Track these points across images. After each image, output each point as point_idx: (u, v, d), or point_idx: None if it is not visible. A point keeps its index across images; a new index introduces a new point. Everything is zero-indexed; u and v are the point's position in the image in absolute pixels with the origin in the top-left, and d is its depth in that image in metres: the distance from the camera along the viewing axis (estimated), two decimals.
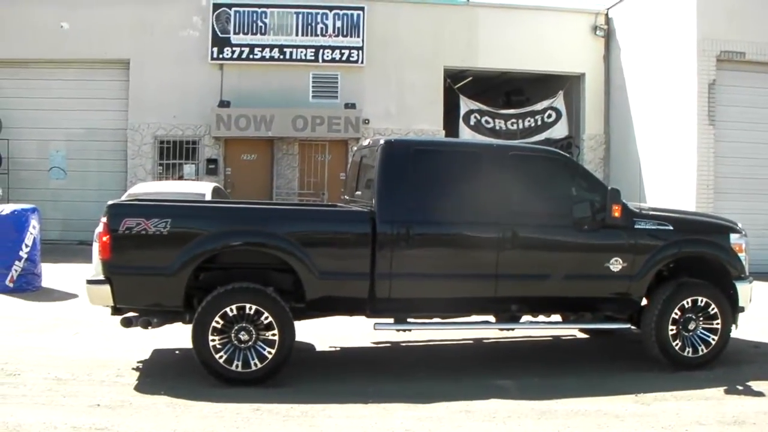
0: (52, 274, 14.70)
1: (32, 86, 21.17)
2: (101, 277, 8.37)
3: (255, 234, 8.45)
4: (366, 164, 9.55)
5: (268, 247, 8.40)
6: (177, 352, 9.60)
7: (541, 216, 8.98)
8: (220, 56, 21.37)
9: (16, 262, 13.67)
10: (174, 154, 21.53)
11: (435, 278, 8.69)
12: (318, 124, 21.20)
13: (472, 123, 22.45)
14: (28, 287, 13.78)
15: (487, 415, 7.30)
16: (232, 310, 8.17)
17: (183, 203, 9.64)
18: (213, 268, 8.57)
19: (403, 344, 10.43)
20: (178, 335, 9.40)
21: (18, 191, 20.40)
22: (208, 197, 13.53)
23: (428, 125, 21.83)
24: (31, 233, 13.89)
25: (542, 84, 23.93)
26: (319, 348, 10.20)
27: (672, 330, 8.94)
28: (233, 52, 21.38)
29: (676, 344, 8.95)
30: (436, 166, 8.92)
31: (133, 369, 8.89)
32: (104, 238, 8.22)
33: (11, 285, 13.65)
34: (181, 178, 20.97)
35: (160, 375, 8.69)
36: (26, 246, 13.75)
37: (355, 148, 10.44)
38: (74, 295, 12.97)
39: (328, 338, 10.41)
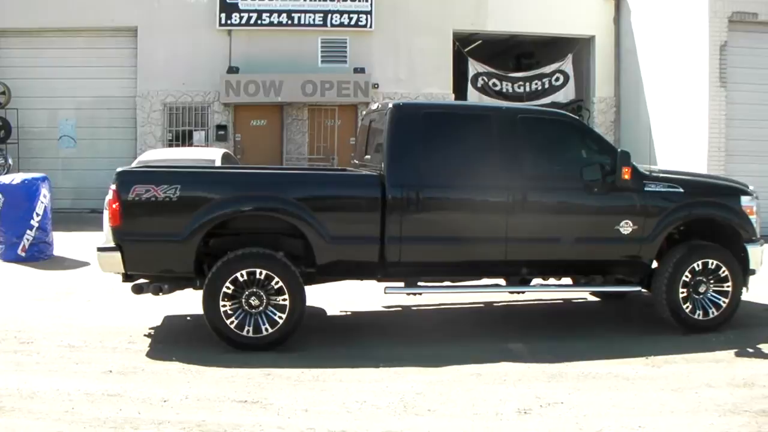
0: (63, 243, 14.76)
1: (40, 55, 21.06)
2: (112, 244, 8.40)
3: (265, 199, 8.45)
4: (375, 128, 9.53)
5: (278, 212, 8.41)
6: (188, 318, 9.65)
7: (550, 179, 8.96)
8: (228, 22, 21.19)
9: (28, 231, 13.71)
10: (183, 121, 21.48)
11: (445, 242, 8.70)
12: (327, 89, 21.08)
13: (479, 85, 22.31)
14: (40, 256, 13.84)
15: (497, 378, 7.33)
16: (242, 275, 8.19)
17: (192, 169, 9.64)
18: (223, 234, 8.59)
19: (414, 308, 10.46)
20: (189, 301, 9.43)
21: (28, 161, 20.43)
22: (218, 163, 13.53)
23: (437, 89, 21.69)
24: (42, 202, 13.91)
25: (553, 47, 23.75)
26: (330, 312, 10.24)
27: (683, 293, 8.92)
28: (241, 17, 21.20)
29: (687, 307, 8.94)
30: (445, 130, 8.88)
31: (145, 335, 8.95)
32: (114, 206, 8.24)
33: (23, 254, 13.71)
34: (191, 144, 20.95)
35: (172, 341, 8.75)
36: (37, 215, 13.78)
37: (364, 113, 10.42)
38: (86, 263, 13.02)
39: (340, 303, 10.45)
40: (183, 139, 21.41)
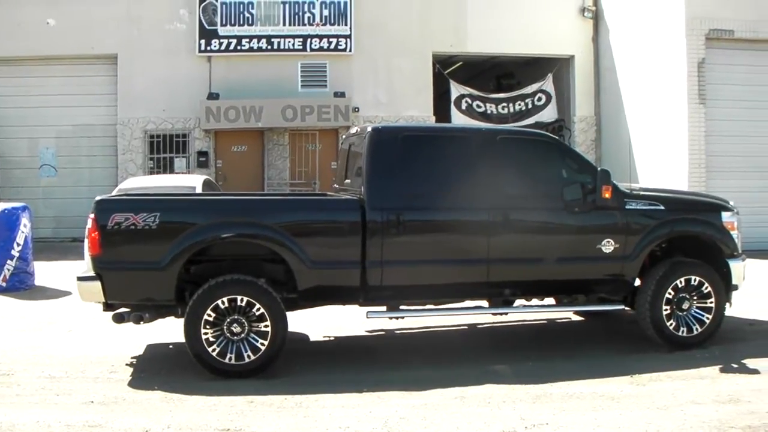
0: (45, 272, 14.65)
1: (20, 84, 21.02)
2: (92, 273, 8.34)
3: (244, 225, 8.41)
4: (355, 152, 9.51)
5: (257, 238, 8.37)
6: (171, 346, 9.57)
7: (531, 199, 8.97)
8: (208, 48, 21.24)
9: (8, 262, 13.60)
10: (164, 148, 21.42)
11: (427, 264, 8.67)
12: (308, 113, 21.10)
13: (463, 107, 22.37)
14: (21, 286, 13.71)
15: (481, 400, 7.28)
16: (223, 302, 8.14)
17: (171, 196, 9.60)
18: (204, 261, 8.54)
19: (398, 332, 10.42)
20: (172, 329, 9.35)
21: (9, 189, 20.33)
22: (199, 190, 13.45)
23: (418, 112, 21.74)
24: (23, 231, 13.82)
25: (532, 67, 23.86)
26: (313, 338, 10.18)
27: (666, 310, 8.92)
28: (221, 43, 21.27)
29: (671, 324, 8.94)
30: (425, 152, 8.87)
31: (127, 365, 8.86)
32: (93, 234, 8.18)
33: (4, 284, 13.58)
34: (173, 172, 20.88)
35: (154, 370, 8.65)
36: (18, 245, 13.69)
37: (344, 136, 10.40)
38: (68, 293, 12.90)
39: (323, 328, 10.40)
40: (164, 166, 21.34)
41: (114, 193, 12.77)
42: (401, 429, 6.52)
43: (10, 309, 12.36)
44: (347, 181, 9.76)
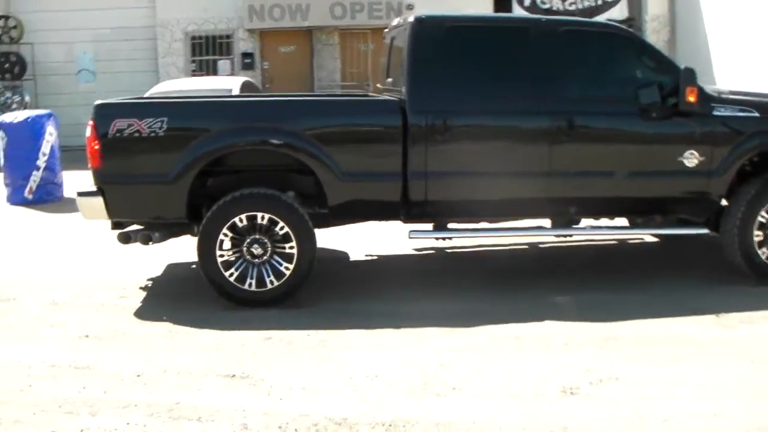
0: (78, 183, 13.73)
1: None
2: (94, 188, 7.31)
3: (264, 131, 7.23)
4: (397, 47, 8.23)
5: (279, 145, 7.20)
6: (194, 266, 8.49)
7: (600, 102, 7.58)
8: None
9: (34, 173, 12.91)
10: (207, 50, 20.44)
11: (478, 177, 7.41)
12: (358, 11, 19.78)
13: (527, 4, 20.93)
14: (48, 198, 12.99)
15: (539, 343, 6.09)
16: (241, 220, 7.07)
17: (180, 99, 8.47)
18: (222, 173, 7.45)
19: (449, 250, 9.26)
20: None
21: (46, 97, 19.57)
22: (236, 92, 12.49)
23: (477, 10, 20.23)
24: (48, 141, 13.02)
25: None
26: (353, 257, 9.09)
27: (758, 236, 7.54)
28: None
29: (763, 252, 7.57)
30: (475, 46, 7.54)
31: (140, 288, 7.94)
32: (93, 144, 7.13)
33: (30, 197, 12.91)
34: (216, 74, 19.89)
35: (168, 295, 7.73)
36: (43, 155, 12.94)
37: (386, 29, 9.09)
38: None
39: (367, 244, 9.31)
40: (208, 69, 20.31)
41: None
42: (440, 380, 5.40)
43: (32, 223, 11.63)
44: (389, 80, 8.54)
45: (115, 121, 7.08)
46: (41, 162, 12.88)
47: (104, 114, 7.16)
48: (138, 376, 5.57)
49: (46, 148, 12.94)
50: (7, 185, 13.09)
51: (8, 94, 19.33)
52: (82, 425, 4.80)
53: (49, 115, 13.25)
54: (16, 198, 12.91)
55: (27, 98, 19.15)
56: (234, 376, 5.54)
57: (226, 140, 7.15)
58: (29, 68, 19.67)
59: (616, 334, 6.24)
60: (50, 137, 13.02)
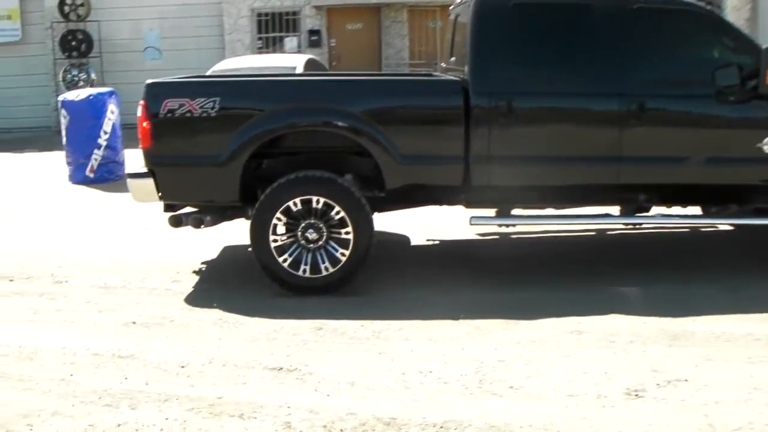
0: (140, 162, 13.67)
1: None
2: (145, 169, 7.13)
3: (320, 112, 6.94)
4: (461, 24, 7.86)
5: (335, 127, 6.91)
6: (249, 249, 8.29)
7: (675, 84, 7.08)
8: None
9: (96, 151, 12.85)
10: (273, 27, 20.25)
11: (543, 162, 7.05)
12: None
13: None
14: (109, 177, 12.92)
15: (603, 338, 5.72)
16: (295, 204, 6.81)
17: (234, 78, 8.22)
18: (277, 155, 7.19)
19: (514, 236, 8.89)
20: None
21: (113, 74, 19.60)
22: (300, 70, 12.28)
23: None
24: (110, 119, 12.93)
25: None
26: (414, 241, 8.79)
27: None
28: None
29: None
30: (543, 23, 7.12)
31: (194, 272, 7.77)
32: (144, 124, 6.94)
33: (92, 175, 12.86)
34: (282, 52, 19.70)
35: (221, 280, 7.53)
36: (105, 133, 12.86)
37: (451, 6, 8.72)
38: None
39: (428, 229, 9.00)
40: (274, 46, 20.14)
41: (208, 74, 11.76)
42: (497, 378, 5.08)
43: (92, 202, 11.54)
44: (452, 59, 8.19)
45: (166, 101, 6.87)
46: (102, 140, 12.81)
47: (155, 93, 6.95)
48: (182, 367, 5.37)
49: (107, 126, 12.86)
50: (68, 164, 13.06)
51: (75, 71, 19.39)
52: (120, 419, 4.60)
53: (111, 93, 13.16)
54: (78, 177, 12.87)
55: (93, 76, 19.16)
56: (281, 369, 5.30)
57: (283, 121, 6.89)
58: (96, 46, 19.68)
59: (685, 331, 5.83)
60: (112, 115, 12.94)
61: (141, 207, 9.21)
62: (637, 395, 4.78)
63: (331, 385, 5.02)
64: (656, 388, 4.86)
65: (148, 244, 8.90)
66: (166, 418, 4.59)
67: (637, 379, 5.00)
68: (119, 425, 4.53)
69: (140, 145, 7.10)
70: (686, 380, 4.98)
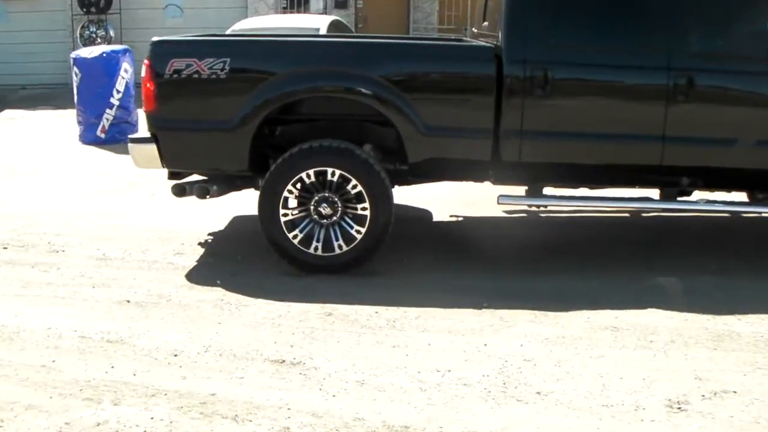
0: None
1: None
2: (147, 134, 6.60)
3: (337, 76, 6.38)
4: None
5: (354, 93, 6.35)
6: None
7: (727, 59, 6.44)
8: None
9: (107, 111, 12.36)
10: None
11: (581, 138, 6.45)
12: None
13: None
14: (121, 138, 12.27)
15: (641, 336, 5.16)
16: (309, 175, 6.27)
17: (246, 37, 7.66)
18: (294, 121, 6.65)
19: (543, 215, 8.33)
20: None
21: (131, 32, 19.05)
22: (323, 32, 11.72)
23: None
24: (123, 77, 12.43)
25: None
26: (437, 217, 8.23)
27: None
28: None
29: None
30: None
31: (199, 244, 7.26)
32: (148, 85, 6.40)
33: (103, 136, 12.39)
34: (308, 12, 19.11)
35: (226, 255, 6.97)
36: (117, 92, 12.38)
37: None
38: None
39: (452, 203, 8.44)
40: (300, 6, 19.50)
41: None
42: (522, 381, 4.53)
43: (100, 164, 11.06)
44: (485, 24, 7.61)
45: (172, 61, 6.34)
46: (115, 100, 12.33)
47: (160, 52, 6.43)
48: (174, 355, 4.87)
49: (120, 85, 12.36)
50: (79, 123, 12.57)
51: (92, 28, 18.89)
52: (101, 417, 4.10)
53: (125, 51, 12.65)
54: (88, 137, 12.39)
55: (111, 33, 18.65)
56: (283, 362, 4.78)
57: (300, 85, 6.33)
58: (115, 2, 19.16)
59: (731, 332, 5.25)
60: (125, 74, 12.43)
61: (150, 171, 8.74)
62: (679, 408, 4.22)
63: (338, 384, 4.50)
64: (701, 401, 4.31)
65: (154, 212, 8.40)
66: (152, 418, 4.09)
67: (680, 388, 4.44)
68: (98, 424, 4.03)
69: (144, 108, 6.56)
70: (734, 391, 4.41)
